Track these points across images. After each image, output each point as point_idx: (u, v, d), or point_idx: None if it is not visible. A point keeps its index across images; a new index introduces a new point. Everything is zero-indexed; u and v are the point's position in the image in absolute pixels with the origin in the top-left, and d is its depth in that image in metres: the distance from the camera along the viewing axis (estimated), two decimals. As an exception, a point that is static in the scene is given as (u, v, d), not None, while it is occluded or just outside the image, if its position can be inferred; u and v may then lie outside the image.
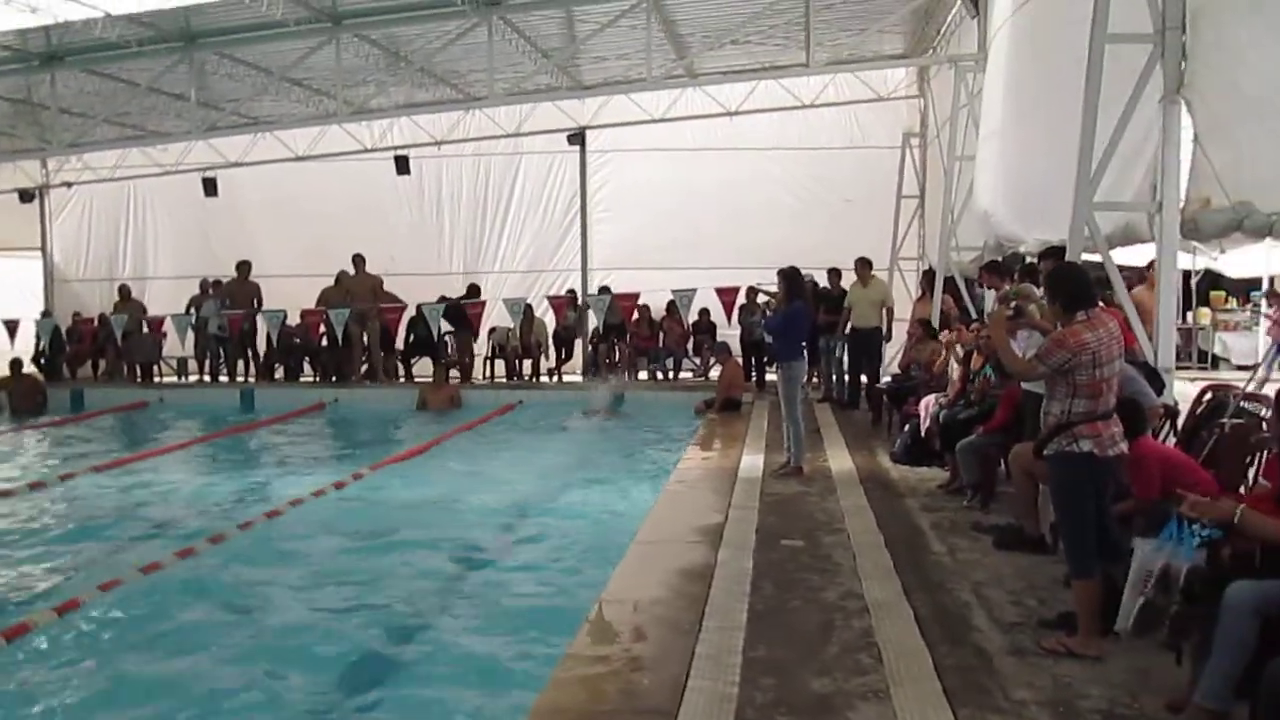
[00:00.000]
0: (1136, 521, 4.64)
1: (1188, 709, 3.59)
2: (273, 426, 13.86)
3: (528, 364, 16.81)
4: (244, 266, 16.93)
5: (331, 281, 16.36)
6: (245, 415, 15.01)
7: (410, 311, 16.33)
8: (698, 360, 16.44)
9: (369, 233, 17.34)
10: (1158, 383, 6.15)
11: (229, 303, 16.71)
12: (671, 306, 16.11)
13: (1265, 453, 4.73)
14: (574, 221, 18.32)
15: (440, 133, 17.97)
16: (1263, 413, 5.39)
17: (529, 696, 4.14)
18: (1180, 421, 6.00)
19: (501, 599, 6.24)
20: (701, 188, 17.25)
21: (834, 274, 13.62)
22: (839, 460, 9.26)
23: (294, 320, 16.61)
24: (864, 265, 12.84)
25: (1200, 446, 5.42)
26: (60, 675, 5.20)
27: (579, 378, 16.77)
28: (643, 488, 9.04)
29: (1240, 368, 13.50)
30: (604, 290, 16.47)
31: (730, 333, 15.62)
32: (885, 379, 12.23)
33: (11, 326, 17.88)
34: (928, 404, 8.65)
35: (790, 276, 8.89)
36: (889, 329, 13.01)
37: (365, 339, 16.27)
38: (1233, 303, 16.29)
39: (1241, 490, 4.80)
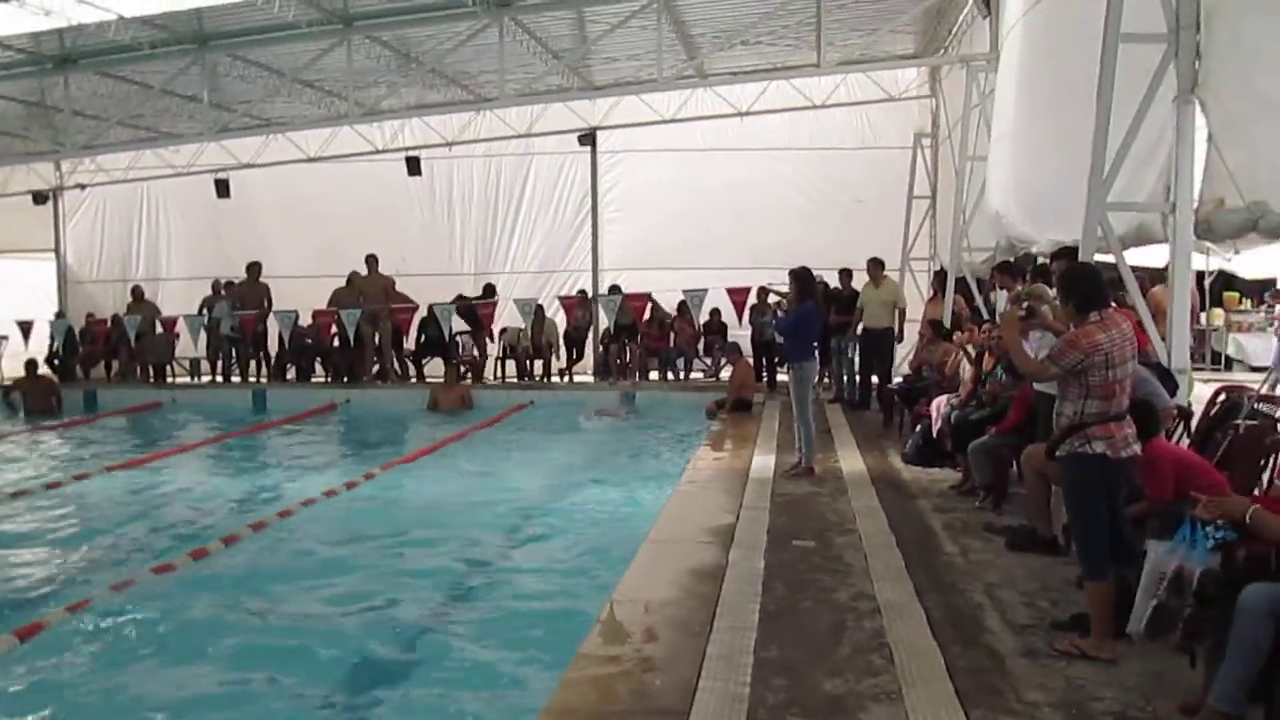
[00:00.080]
0: (1150, 523, 4.61)
1: (1201, 712, 3.58)
2: (284, 427, 13.90)
3: (539, 364, 16.83)
4: (254, 268, 16.98)
5: (343, 282, 16.41)
6: (257, 416, 15.07)
7: (421, 312, 16.36)
8: (709, 361, 16.44)
9: (380, 234, 17.38)
10: (1171, 384, 6.12)
11: (240, 304, 16.77)
12: (683, 307, 16.11)
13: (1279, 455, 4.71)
14: (585, 222, 18.33)
15: (451, 134, 18.01)
16: (1278, 414, 5.37)
17: (540, 697, 4.15)
18: (1194, 423, 5.97)
19: (511, 599, 6.24)
20: (712, 188, 17.24)
21: (845, 274, 13.60)
22: (850, 461, 9.24)
23: (306, 321, 16.65)
24: (876, 266, 12.83)
25: (1214, 448, 5.39)
26: (72, 675, 5.22)
27: (590, 378, 16.78)
28: (654, 488, 9.03)
29: (1254, 369, 13.43)
30: (614, 290, 16.48)
31: (741, 333, 15.60)
32: (896, 380, 12.20)
33: (25, 328, 17.98)
34: (939, 405, 8.63)
35: (801, 277, 8.88)
36: (901, 330, 12.98)
37: (377, 339, 16.32)
38: (1246, 304, 16.22)
39: (1256, 492, 4.78)
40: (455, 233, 18.82)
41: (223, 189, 18.17)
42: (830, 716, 3.83)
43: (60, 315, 18.94)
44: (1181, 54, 6.21)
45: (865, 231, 15.11)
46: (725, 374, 15.05)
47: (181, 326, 17.26)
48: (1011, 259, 10.06)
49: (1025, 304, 5.73)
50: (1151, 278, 8.52)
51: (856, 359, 13.31)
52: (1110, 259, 6.79)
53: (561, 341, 17.01)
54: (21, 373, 16.09)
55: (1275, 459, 4.99)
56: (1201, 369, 13.61)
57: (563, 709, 3.97)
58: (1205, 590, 3.69)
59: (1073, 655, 4.31)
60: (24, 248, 20.61)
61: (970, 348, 8.60)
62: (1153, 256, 7.76)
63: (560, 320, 17.10)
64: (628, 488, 9.38)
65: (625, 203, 18.12)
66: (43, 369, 16.63)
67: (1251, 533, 3.69)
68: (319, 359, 17.09)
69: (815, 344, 9.44)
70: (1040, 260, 9.18)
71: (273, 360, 17.20)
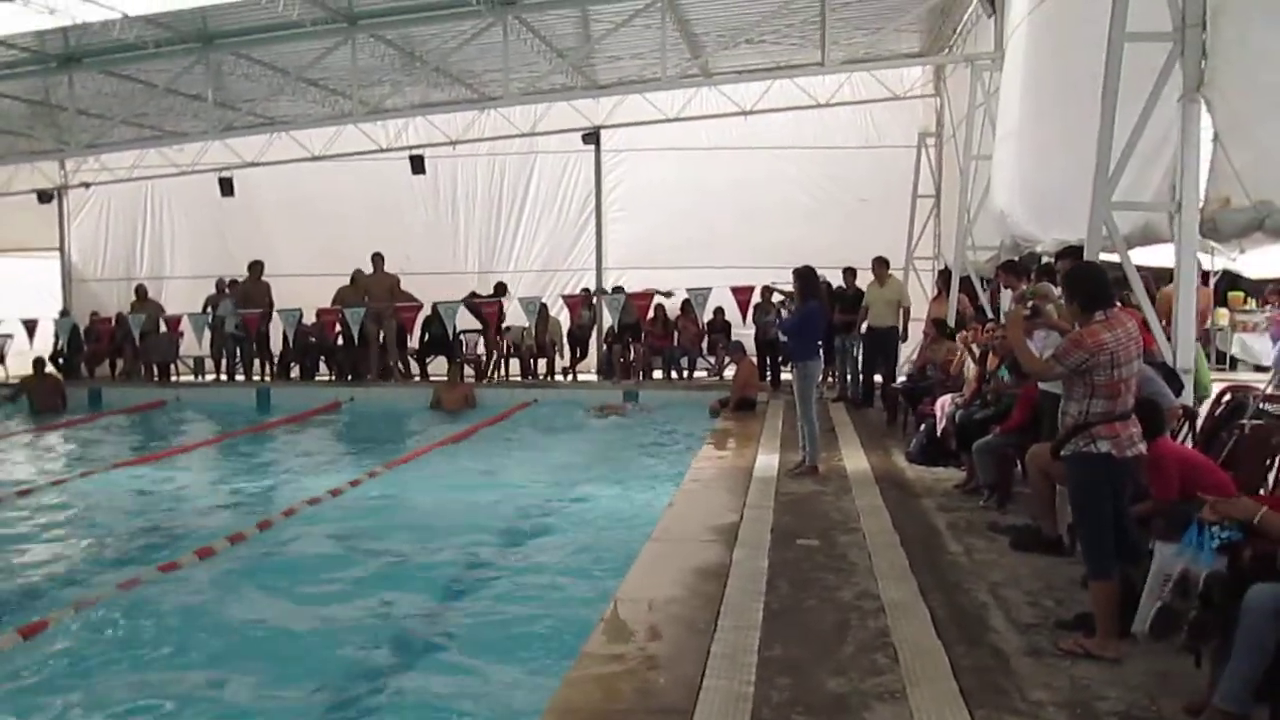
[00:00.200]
0: (1155, 523, 4.61)
1: (1206, 711, 3.57)
2: (289, 426, 13.91)
3: (542, 363, 16.84)
4: (256, 266, 17.00)
5: (347, 281, 16.42)
6: (261, 414, 15.08)
7: (425, 310, 16.37)
8: (712, 359, 16.44)
9: (384, 232, 17.41)
10: (1176, 384, 6.11)
11: (244, 303, 16.78)
12: (686, 306, 16.12)
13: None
14: (589, 221, 18.35)
15: (455, 132, 18.02)
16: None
17: (544, 695, 4.15)
18: (1199, 423, 5.96)
19: (515, 598, 6.23)
20: (716, 187, 17.24)
21: (849, 273, 13.59)
22: (854, 460, 9.24)
23: (310, 319, 16.67)
24: (881, 265, 12.82)
25: (1220, 448, 5.38)
26: (78, 673, 5.23)
27: (593, 377, 16.78)
28: (657, 487, 9.04)
29: (1259, 369, 13.39)
30: (618, 290, 16.48)
31: (745, 332, 15.60)
32: (900, 379, 12.19)
33: (30, 326, 18.03)
34: (943, 404, 8.62)
35: (804, 276, 8.87)
36: (905, 329, 12.97)
37: (382, 338, 16.33)
38: (1251, 303, 16.16)
39: (1261, 492, 4.77)
40: (459, 231, 18.84)
41: (227, 188, 18.21)
42: (834, 715, 3.82)
43: (65, 314, 18.99)
44: (1187, 52, 6.20)
45: (869, 230, 15.10)
46: (729, 373, 15.05)
47: (186, 325, 17.29)
48: (1016, 258, 10.04)
49: (1030, 303, 5.72)
50: (1157, 277, 8.48)
51: (861, 358, 13.30)
52: (1115, 258, 6.78)
53: (565, 340, 17.02)
54: (27, 371, 16.13)
55: (1281, 459, 4.98)
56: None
57: (566, 707, 3.96)
58: (1211, 592, 3.68)
59: (1077, 655, 4.30)
60: (29, 246, 20.66)
61: (975, 347, 8.59)
62: (1160, 256, 7.73)
63: (564, 319, 17.12)
64: (631, 486, 9.38)
65: (629, 201, 18.13)
66: (48, 368, 16.65)
67: (1259, 533, 3.69)
68: (323, 357, 17.11)
69: (819, 343, 9.43)
70: (1045, 259, 9.16)
71: (277, 359, 17.23)
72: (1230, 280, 15.50)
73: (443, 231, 18.78)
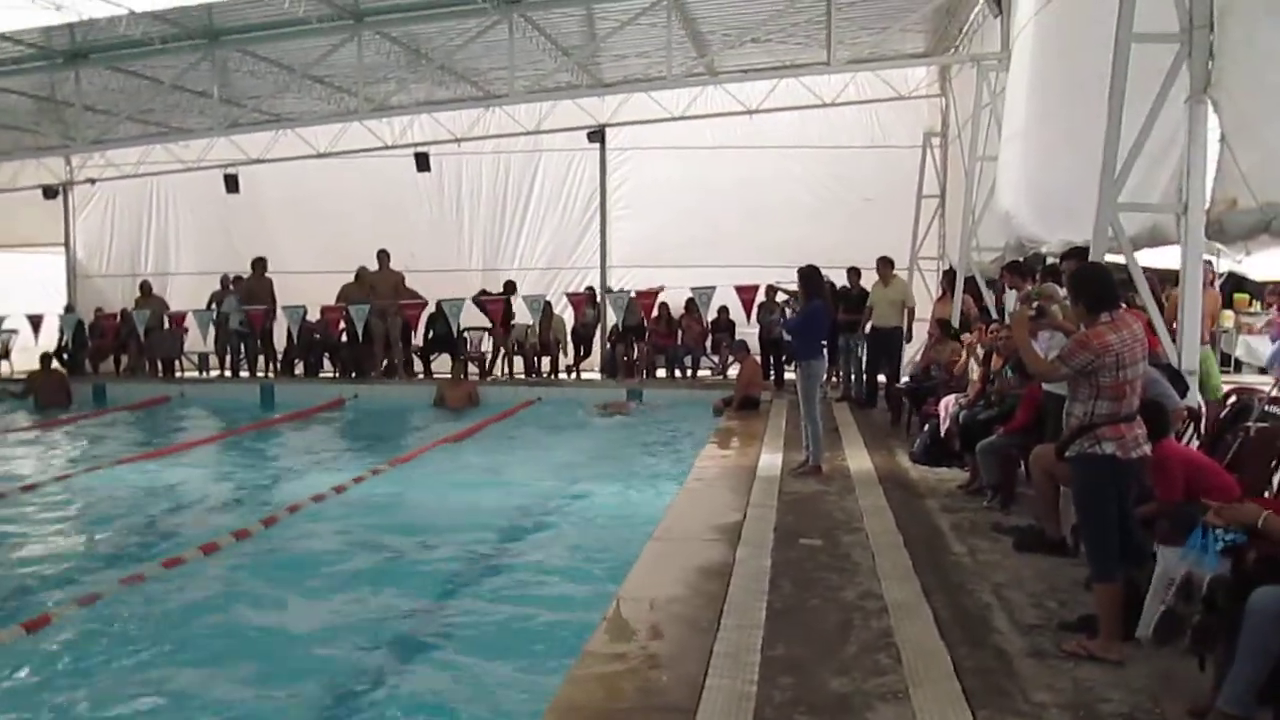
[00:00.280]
0: (1160, 524, 4.60)
1: (1210, 714, 3.56)
2: (293, 422, 13.93)
3: (546, 361, 16.84)
4: (260, 263, 17.03)
5: (351, 278, 16.44)
6: (265, 411, 15.11)
7: (429, 308, 16.39)
8: (716, 358, 16.43)
9: (389, 230, 17.43)
10: (1181, 385, 6.10)
11: (248, 299, 16.81)
12: (690, 304, 16.12)
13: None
14: (593, 219, 18.33)
15: (460, 130, 18.01)
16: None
17: (546, 693, 4.15)
18: (1204, 424, 5.95)
19: (517, 596, 6.24)
20: (721, 186, 17.22)
21: (853, 273, 13.58)
22: (858, 460, 9.23)
23: (314, 316, 16.69)
24: (886, 265, 12.81)
25: (1224, 450, 5.37)
26: (81, 667, 5.24)
27: (597, 375, 16.79)
28: (661, 485, 9.05)
29: (1264, 371, 13.37)
30: (621, 292, 16.49)
31: (749, 331, 15.60)
32: (903, 379, 12.18)
33: (35, 322, 18.07)
34: (947, 404, 8.61)
35: (809, 276, 8.87)
36: (909, 329, 12.96)
37: (386, 335, 16.35)
38: (1256, 306, 16.13)
39: (1266, 495, 4.76)
40: (464, 229, 18.83)
41: (232, 184, 18.24)
42: (837, 715, 3.82)
43: (70, 309, 19.01)
44: (1195, 53, 6.18)
45: (874, 230, 15.09)
46: (732, 372, 15.06)
47: (190, 321, 17.31)
48: (1021, 259, 10.02)
49: (1035, 304, 5.71)
50: (1162, 279, 8.47)
51: (865, 358, 13.29)
52: (1121, 259, 6.77)
53: (569, 338, 17.03)
54: (32, 367, 16.17)
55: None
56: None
57: (569, 706, 3.97)
58: (1215, 597, 3.68)
59: (1080, 656, 4.29)
60: (34, 242, 20.68)
61: (979, 347, 8.58)
62: (1166, 258, 7.72)
63: (568, 317, 17.12)
64: (634, 485, 9.39)
65: (634, 200, 18.11)
66: (54, 363, 16.69)
67: (1263, 536, 3.68)
68: (327, 354, 17.13)
69: (824, 343, 9.42)
70: (1050, 260, 9.15)
71: (281, 355, 17.25)
72: (1236, 283, 15.47)
73: (447, 229, 18.77)
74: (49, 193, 19.71)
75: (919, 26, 14.40)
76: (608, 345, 16.94)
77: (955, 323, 11.67)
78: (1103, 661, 4.23)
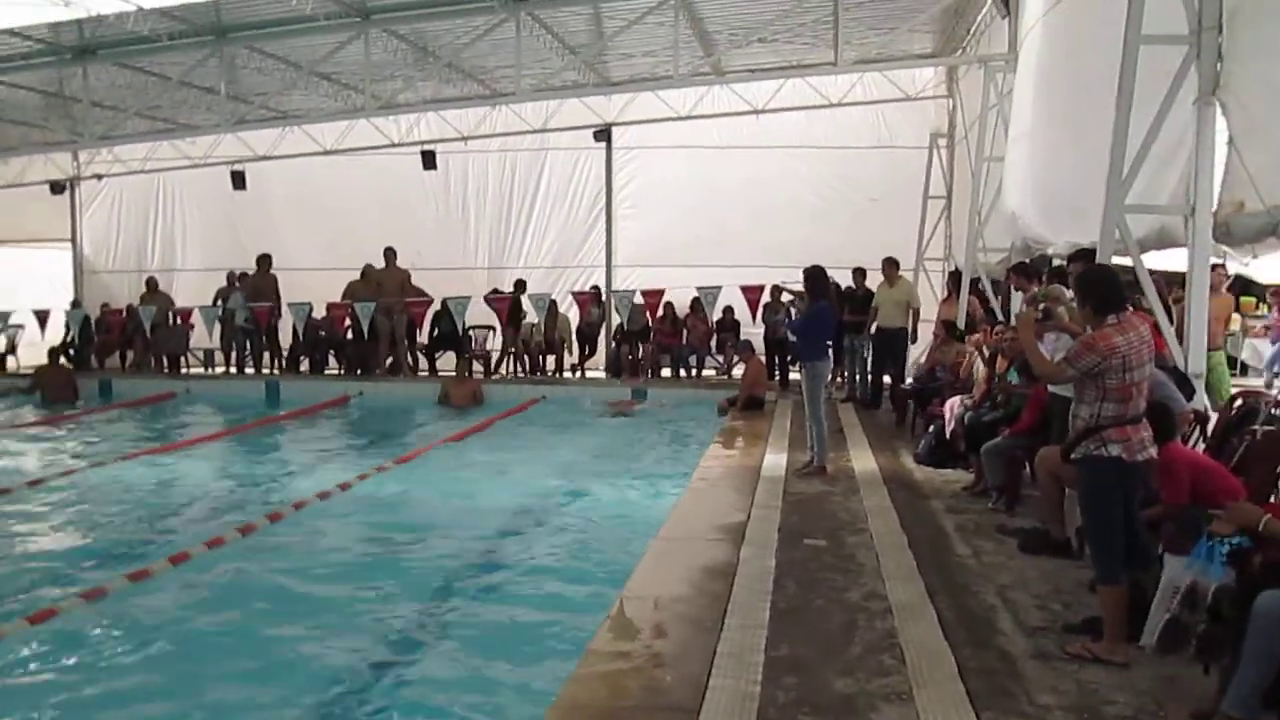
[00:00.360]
0: (1165, 527, 4.60)
1: (1215, 718, 3.55)
2: (298, 419, 13.95)
3: (551, 359, 16.84)
4: (264, 260, 17.05)
5: (357, 275, 16.46)
6: (271, 408, 15.13)
7: (435, 306, 16.40)
8: (721, 358, 16.43)
9: (395, 227, 17.44)
10: (1187, 388, 6.09)
11: (253, 296, 16.84)
12: (696, 304, 16.11)
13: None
14: (599, 218, 18.34)
15: (467, 128, 18.02)
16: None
17: (549, 692, 4.15)
18: (1210, 427, 5.94)
19: (521, 594, 6.25)
20: (727, 185, 17.22)
21: (859, 274, 13.58)
22: (862, 460, 9.22)
23: (320, 313, 16.71)
24: (891, 265, 12.81)
25: (1230, 453, 5.36)
26: (85, 662, 5.25)
27: (602, 374, 16.79)
28: (665, 485, 9.05)
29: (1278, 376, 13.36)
30: (628, 292, 16.49)
31: (754, 331, 15.59)
32: (907, 380, 12.17)
33: (42, 317, 18.12)
34: (953, 405, 8.61)
35: (814, 276, 8.87)
36: (915, 330, 12.95)
37: (392, 332, 16.37)
38: (1263, 309, 16.08)
39: (1272, 499, 4.75)
40: (470, 227, 18.85)
41: (239, 181, 18.24)
42: (841, 716, 3.82)
43: (76, 305, 19.05)
44: (1203, 55, 6.17)
45: (880, 231, 15.10)
46: (737, 371, 15.05)
47: (196, 317, 17.34)
48: (1027, 260, 10.01)
49: (1042, 306, 5.70)
50: (1169, 281, 8.45)
51: (870, 359, 13.28)
52: (1128, 261, 6.75)
53: (574, 337, 17.03)
54: (39, 361, 16.20)
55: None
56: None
57: (572, 704, 3.97)
58: (1220, 606, 3.67)
59: (1085, 659, 4.28)
60: (41, 237, 20.74)
61: (985, 348, 8.57)
62: (1175, 260, 7.70)
63: (573, 316, 17.13)
64: (639, 484, 9.39)
65: (640, 199, 18.12)
66: (61, 359, 16.74)
67: (1266, 538, 3.68)
68: (332, 351, 17.15)
69: (829, 343, 9.41)
70: (1056, 262, 9.13)
71: (286, 352, 17.27)
72: (1243, 285, 15.42)
73: (453, 227, 18.79)
74: (56, 188, 19.75)
75: (926, 27, 14.38)
76: (612, 344, 16.94)
77: (961, 324, 11.66)
78: (1107, 664, 4.22)
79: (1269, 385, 12.22)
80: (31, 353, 18.10)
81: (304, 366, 17.20)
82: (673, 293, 16.15)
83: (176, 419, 14.50)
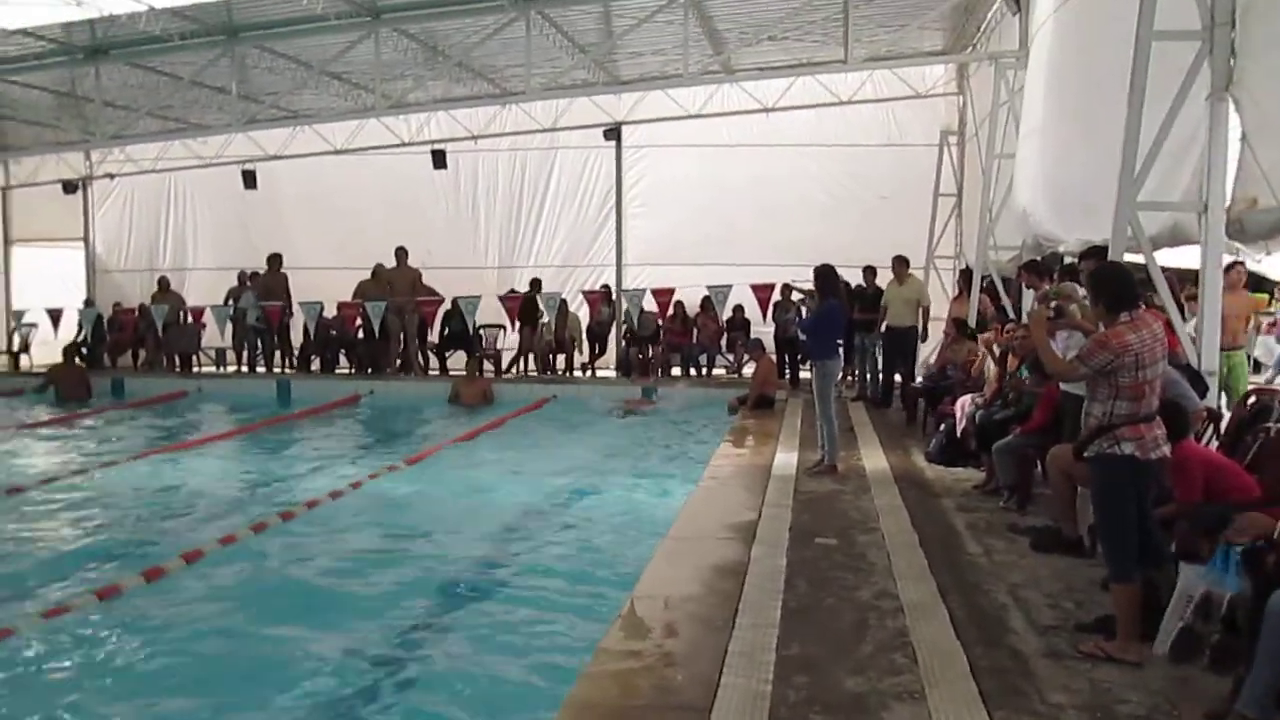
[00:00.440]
0: (1179, 525, 4.58)
1: (1229, 718, 3.54)
2: (309, 418, 13.99)
3: (561, 359, 16.86)
4: (275, 259, 17.10)
5: (367, 275, 16.50)
6: (282, 407, 15.18)
7: (445, 305, 16.43)
8: (731, 357, 16.42)
9: (405, 226, 17.46)
10: (1200, 386, 6.06)
11: (264, 295, 16.89)
12: (706, 302, 16.09)
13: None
14: (609, 217, 18.32)
15: (477, 127, 18.04)
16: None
17: (560, 691, 4.15)
18: (1223, 425, 5.91)
19: (531, 594, 6.24)
20: (737, 184, 17.19)
21: (869, 272, 13.54)
22: (873, 459, 9.20)
23: (331, 312, 16.76)
24: (901, 263, 12.76)
25: (1244, 451, 5.33)
26: (99, 659, 5.28)
27: (612, 373, 16.79)
28: (675, 484, 9.04)
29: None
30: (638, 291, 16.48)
31: (764, 329, 15.57)
32: (918, 379, 12.14)
33: (55, 316, 18.22)
34: (964, 404, 8.59)
35: (824, 275, 8.84)
36: (925, 328, 12.91)
37: (403, 331, 16.40)
38: (1275, 305, 16.00)
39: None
40: (479, 226, 18.87)
41: (250, 180, 18.32)
42: (852, 715, 3.81)
43: (89, 304, 19.14)
44: (1216, 51, 6.15)
45: (890, 229, 15.06)
46: (748, 370, 15.03)
47: (208, 317, 17.41)
48: (1039, 258, 9.98)
49: (1054, 304, 5.68)
50: (1181, 278, 8.42)
51: (880, 357, 13.25)
52: (1140, 259, 6.73)
53: (584, 336, 17.04)
54: (52, 360, 16.29)
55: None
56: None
57: (583, 703, 3.97)
58: (1235, 616, 3.65)
59: (1098, 657, 4.26)
60: (54, 236, 20.86)
61: (995, 347, 8.55)
62: (1189, 257, 7.67)
63: (583, 315, 17.13)
64: (649, 483, 9.39)
65: (650, 198, 18.10)
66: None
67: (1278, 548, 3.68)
68: (343, 350, 17.20)
69: (839, 342, 9.40)
70: (1068, 260, 9.10)
71: (297, 351, 17.33)
72: (1256, 282, 15.35)
73: (463, 226, 18.81)
74: (69, 188, 19.85)
75: (937, 24, 14.35)
76: (623, 343, 16.94)
77: (972, 323, 11.63)
78: (1120, 663, 4.20)
79: (1269, 381, 12.16)
80: (44, 351, 18.21)
81: (315, 365, 17.25)
82: (683, 291, 16.14)
83: (188, 418, 14.56)
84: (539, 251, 18.63)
